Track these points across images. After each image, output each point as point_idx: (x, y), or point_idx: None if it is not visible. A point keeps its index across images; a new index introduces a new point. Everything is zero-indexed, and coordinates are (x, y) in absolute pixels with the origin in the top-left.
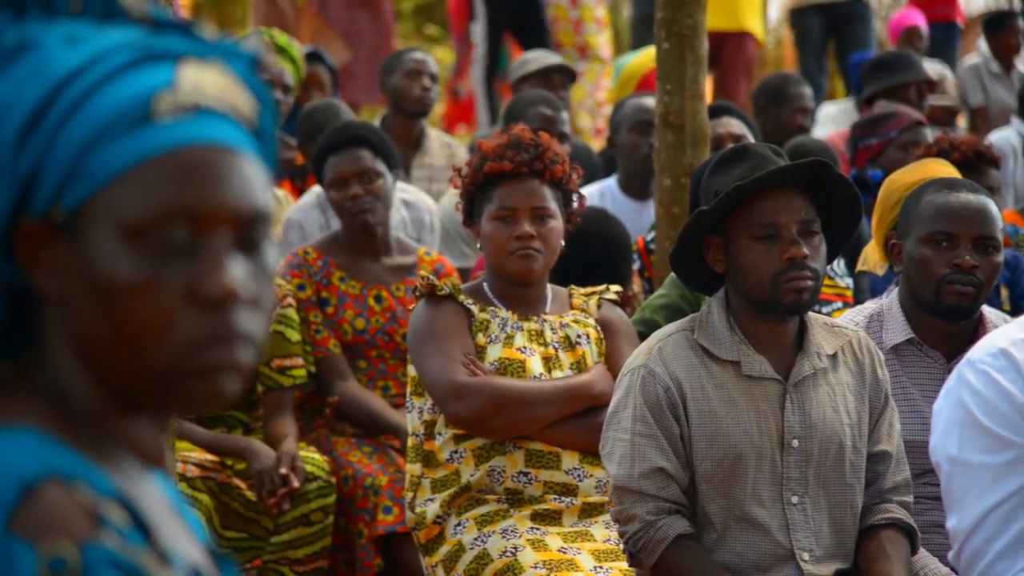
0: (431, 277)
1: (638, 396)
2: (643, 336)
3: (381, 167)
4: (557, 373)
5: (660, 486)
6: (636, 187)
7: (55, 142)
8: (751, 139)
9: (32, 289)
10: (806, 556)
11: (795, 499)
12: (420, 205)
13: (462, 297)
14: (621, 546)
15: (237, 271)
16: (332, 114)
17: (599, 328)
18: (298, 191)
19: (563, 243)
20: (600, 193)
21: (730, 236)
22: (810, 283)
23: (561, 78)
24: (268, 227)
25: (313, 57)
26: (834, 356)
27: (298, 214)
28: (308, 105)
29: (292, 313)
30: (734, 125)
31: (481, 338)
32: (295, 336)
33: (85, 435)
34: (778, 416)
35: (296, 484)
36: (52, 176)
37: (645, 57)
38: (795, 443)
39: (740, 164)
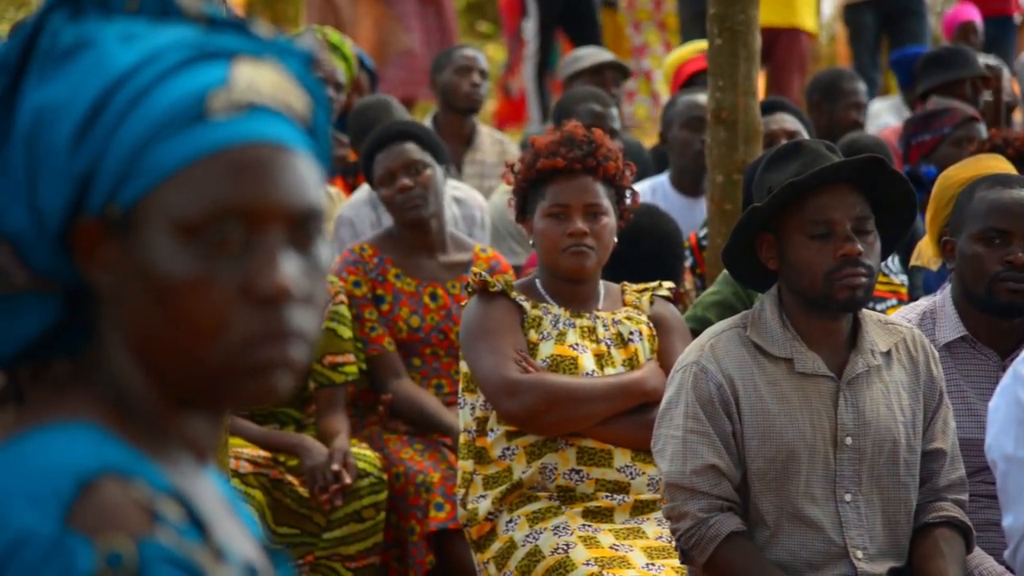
0: (483, 274)
1: (690, 393)
2: (695, 333)
3: (429, 159)
4: (609, 370)
5: (712, 483)
6: (688, 183)
7: (111, 140)
8: (804, 135)
9: (88, 287)
10: (859, 554)
11: (848, 497)
12: (471, 202)
13: (514, 294)
14: (673, 543)
15: (290, 268)
16: (384, 111)
17: (651, 325)
18: (350, 188)
19: (616, 240)
20: (652, 189)
21: (783, 233)
22: (864, 280)
23: (613, 75)
24: (321, 224)
25: None
26: (888, 353)
27: (350, 211)
28: (360, 102)
29: (344, 310)
30: (787, 121)
31: (533, 335)
32: (347, 333)
33: (141, 431)
34: (831, 414)
35: (348, 480)
36: (108, 175)
37: (684, 51)
38: (848, 441)
39: (794, 160)
